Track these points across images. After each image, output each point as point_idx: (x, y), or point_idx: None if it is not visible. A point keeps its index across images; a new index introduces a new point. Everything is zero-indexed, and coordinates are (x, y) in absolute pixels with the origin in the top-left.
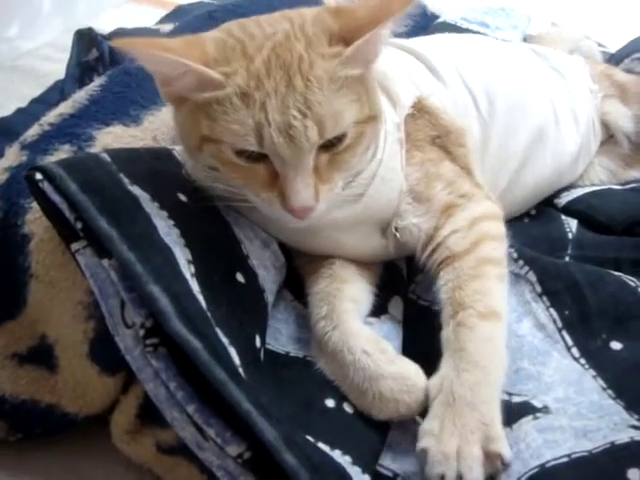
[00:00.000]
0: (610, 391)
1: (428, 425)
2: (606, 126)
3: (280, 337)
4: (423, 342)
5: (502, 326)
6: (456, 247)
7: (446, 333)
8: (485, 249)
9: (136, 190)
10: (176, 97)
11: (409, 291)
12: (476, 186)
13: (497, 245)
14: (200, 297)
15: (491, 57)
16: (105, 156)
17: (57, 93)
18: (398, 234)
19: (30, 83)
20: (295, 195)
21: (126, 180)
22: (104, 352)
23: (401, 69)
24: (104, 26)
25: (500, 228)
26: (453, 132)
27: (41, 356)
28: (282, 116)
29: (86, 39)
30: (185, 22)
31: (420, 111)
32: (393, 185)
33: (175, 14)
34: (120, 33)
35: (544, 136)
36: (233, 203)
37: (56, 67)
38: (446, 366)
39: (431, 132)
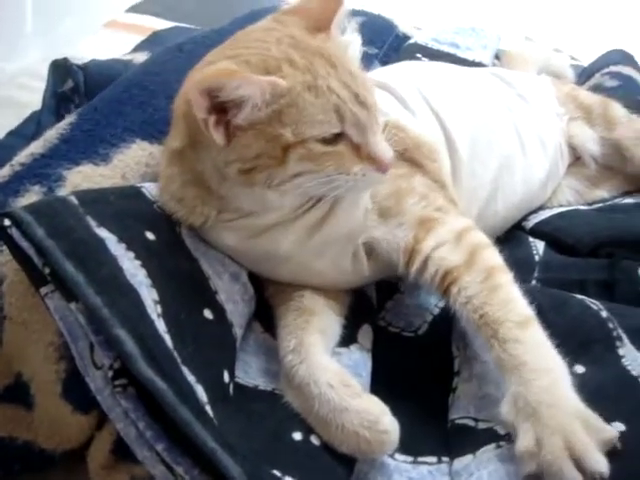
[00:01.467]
0: None
1: (521, 445)
2: (573, 148)
3: (250, 370)
4: (393, 369)
5: (539, 327)
6: (452, 259)
7: (496, 354)
8: (485, 258)
9: (103, 232)
10: (225, 132)
11: (379, 318)
12: (450, 201)
13: (492, 252)
14: (167, 337)
15: (457, 87)
16: (72, 199)
17: (33, 125)
18: (368, 254)
19: (6, 113)
20: (383, 151)
21: (93, 223)
22: (77, 392)
23: None
24: (82, 53)
25: (484, 236)
26: (424, 145)
27: (18, 394)
28: (347, 90)
29: (62, 69)
30: (156, 55)
31: (387, 127)
32: (358, 203)
33: (150, 41)
34: (94, 64)
35: (512, 165)
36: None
37: (34, 97)
38: (512, 385)
39: (399, 147)
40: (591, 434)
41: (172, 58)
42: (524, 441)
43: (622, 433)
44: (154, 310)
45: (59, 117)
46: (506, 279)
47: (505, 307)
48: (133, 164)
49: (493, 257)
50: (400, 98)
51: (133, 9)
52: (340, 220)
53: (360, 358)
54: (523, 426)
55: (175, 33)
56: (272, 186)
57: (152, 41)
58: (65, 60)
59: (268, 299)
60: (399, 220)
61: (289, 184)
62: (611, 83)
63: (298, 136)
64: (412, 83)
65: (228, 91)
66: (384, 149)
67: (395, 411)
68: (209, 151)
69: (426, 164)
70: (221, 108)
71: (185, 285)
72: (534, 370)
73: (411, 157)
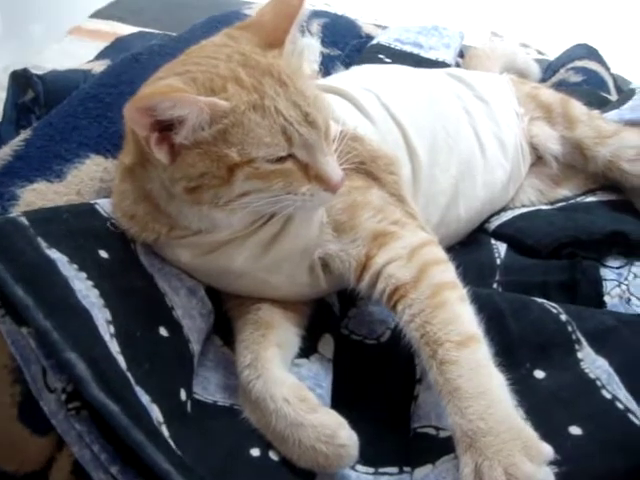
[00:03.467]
0: (529, 422)
1: (463, 478)
2: (534, 148)
3: (209, 386)
4: (355, 378)
5: (483, 346)
6: (401, 276)
7: (433, 376)
8: (434, 274)
9: (54, 253)
10: (170, 151)
11: (341, 326)
12: (409, 215)
13: (444, 267)
14: (120, 357)
15: (416, 92)
16: (23, 219)
17: None
18: (324, 267)
19: None
20: (332, 170)
21: (44, 244)
22: (33, 414)
23: None
24: (47, 62)
25: (441, 252)
26: (381, 158)
27: None
28: (295, 110)
29: (22, 80)
30: (112, 66)
31: (344, 139)
32: (312, 218)
33: (114, 47)
34: (52, 75)
35: (473, 169)
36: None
37: None
38: (448, 412)
39: (355, 159)
40: (530, 455)
41: (128, 69)
42: (465, 473)
43: (578, 437)
44: (107, 330)
45: (19, 128)
46: (454, 296)
47: (446, 327)
48: (88, 180)
49: (444, 274)
50: (359, 105)
51: (97, 14)
52: (294, 236)
53: (320, 369)
54: (463, 458)
55: (138, 38)
56: (219, 205)
57: (115, 47)
58: (25, 71)
59: (227, 312)
60: (353, 235)
61: (236, 203)
62: (575, 78)
63: (244, 156)
64: (370, 89)
65: (163, 110)
66: (333, 169)
67: (357, 421)
68: (156, 168)
69: (383, 177)
70: (164, 126)
71: (139, 303)
72: (468, 397)
73: (368, 170)
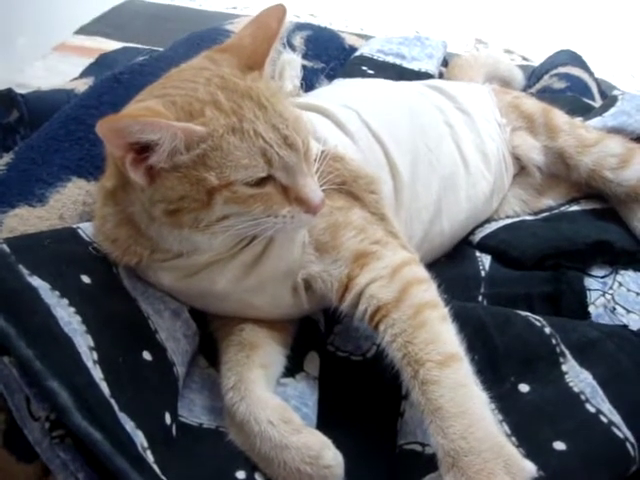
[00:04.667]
0: (514, 438)
1: None
2: (517, 158)
3: (194, 408)
4: (341, 395)
5: (464, 365)
6: (383, 296)
7: (415, 396)
8: (416, 294)
9: (35, 281)
10: (148, 173)
11: (327, 343)
12: (390, 234)
13: (426, 287)
14: (103, 384)
15: (396, 107)
16: (4, 247)
17: None
18: (307, 287)
19: None
20: (313, 193)
21: (25, 271)
22: (18, 442)
23: None
24: (32, 80)
25: (422, 271)
26: (362, 177)
27: None
28: (275, 132)
29: (6, 100)
30: (93, 86)
31: (325, 159)
32: (294, 239)
33: (98, 63)
34: (35, 95)
35: (455, 183)
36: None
37: None
38: (430, 432)
39: (337, 179)
40: (512, 474)
41: (109, 89)
42: None
43: (562, 452)
44: (89, 357)
45: (5, 149)
46: (435, 315)
47: (427, 347)
48: (70, 203)
49: (425, 293)
50: (339, 123)
51: (82, 30)
52: (276, 258)
53: (306, 387)
54: (446, 478)
55: (123, 54)
56: (200, 228)
57: (100, 63)
58: (9, 90)
59: (212, 333)
60: (335, 256)
61: (217, 226)
62: (559, 85)
63: (223, 180)
64: (350, 106)
65: (132, 134)
66: (313, 191)
67: (343, 439)
68: (136, 191)
69: (364, 197)
70: (141, 147)
71: (122, 328)
72: (449, 416)
73: (349, 190)
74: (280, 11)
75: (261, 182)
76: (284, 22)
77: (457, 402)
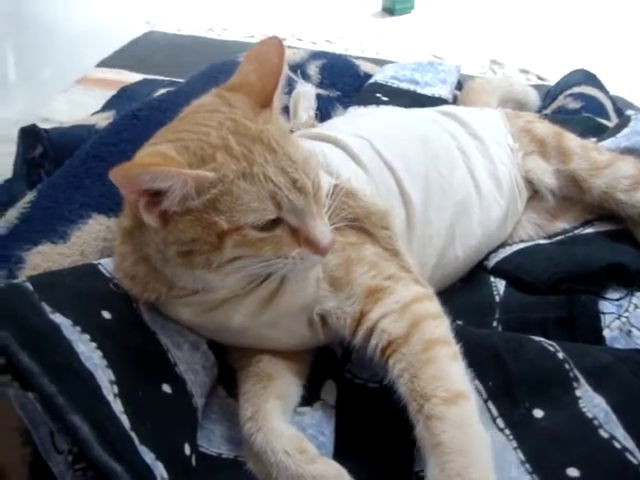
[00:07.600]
0: (528, 465)
1: None
2: (529, 182)
3: (213, 438)
4: (359, 423)
5: (471, 404)
6: (393, 331)
7: (419, 430)
8: (427, 329)
9: (57, 318)
10: (162, 216)
11: (344, 371)
12: (403, 269)
13: (437, 323)
14: (123, 417)
15: (408, 135)
16: (28, 285)
17: (4, 194)
18: (322, 320)
19: None
20: (322, 234)
21: (48, 309)
22: (44, 474)
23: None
24: (56, 114)
25: (435, 306)
26: (374, 213)
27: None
28: (284, 176)
29: (30, 135)
30: (113, 123)
31: (337, 195)
32: (308, 276)
33: (119, 96)
34: (57, 131)
35: (468, 209)
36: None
37: (3, 161)
38: (429, 466)
39: (349, 216)
40: None
41: (128, 127)
42: None
43: (576, 479)
44: (110, 391)
45: (30, 184)
46: (445, 352)
47: (434, 382)
48: (91, 240)
49: (436, 329)
50: (352, 153)
51: (104, 63)
52: (291, 293)
53: (323, 416)
54: None
55: (143, 86)
56: (212, 268)
57: (121, 96)
58: (33, 126)
59: (231, 364)
60: (348, 292)
61: (229, 267)
62: (574, 105)
63: (232, 224)
64: (362, 135)
65: (144, 182)
66: (323, 232)
67: (358, 468)
68: (151, 232)
69: (376, 232)
70: (154, 192)
71: (142, 362)
72: (451, 452)
73: (361, 226)
74: (277, 45)
75: (271, 225)
76: (285, 56)
77: (459, 440)
